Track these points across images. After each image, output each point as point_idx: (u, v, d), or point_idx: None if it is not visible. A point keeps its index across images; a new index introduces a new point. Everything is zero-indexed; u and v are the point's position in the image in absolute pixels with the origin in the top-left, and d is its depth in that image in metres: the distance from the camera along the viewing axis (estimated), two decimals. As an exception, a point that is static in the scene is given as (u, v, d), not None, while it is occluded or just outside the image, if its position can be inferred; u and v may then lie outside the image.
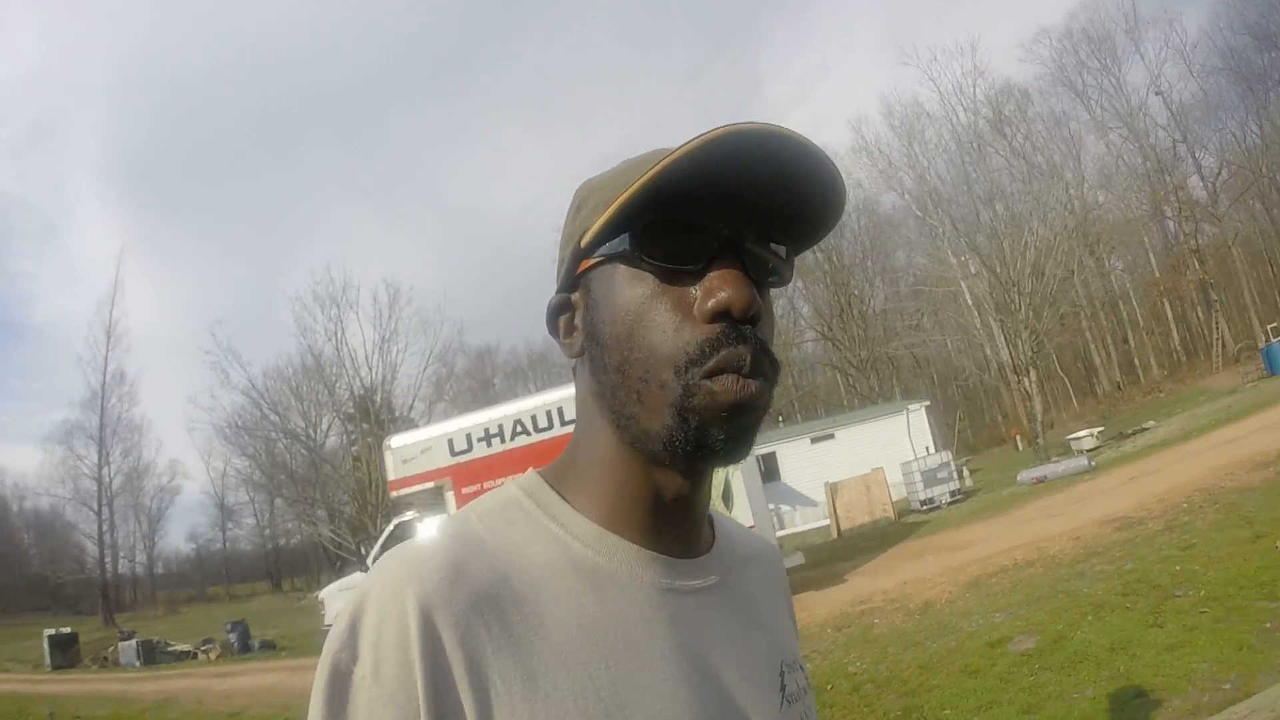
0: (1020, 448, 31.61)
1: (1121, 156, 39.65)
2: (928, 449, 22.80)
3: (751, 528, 8.61)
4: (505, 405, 12.20)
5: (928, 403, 29.65)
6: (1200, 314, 37.08)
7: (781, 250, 0.71)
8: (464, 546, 0.66)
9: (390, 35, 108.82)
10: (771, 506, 23.30)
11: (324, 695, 0.60)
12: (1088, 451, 20.84)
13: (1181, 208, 35.02)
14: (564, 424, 11.28)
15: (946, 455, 21.35)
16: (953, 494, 19.88)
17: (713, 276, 0.65)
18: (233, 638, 21.83)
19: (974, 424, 42.01)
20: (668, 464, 0.69)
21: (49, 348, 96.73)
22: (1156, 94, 37.61)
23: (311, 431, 36.22)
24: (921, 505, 19.92)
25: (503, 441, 11.38)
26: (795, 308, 47.54)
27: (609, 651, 0.64)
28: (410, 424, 31.91)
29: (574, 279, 0.73)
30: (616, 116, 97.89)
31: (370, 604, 0.62)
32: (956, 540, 13.32)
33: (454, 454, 11.54)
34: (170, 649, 22.45)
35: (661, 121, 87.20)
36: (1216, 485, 9.94)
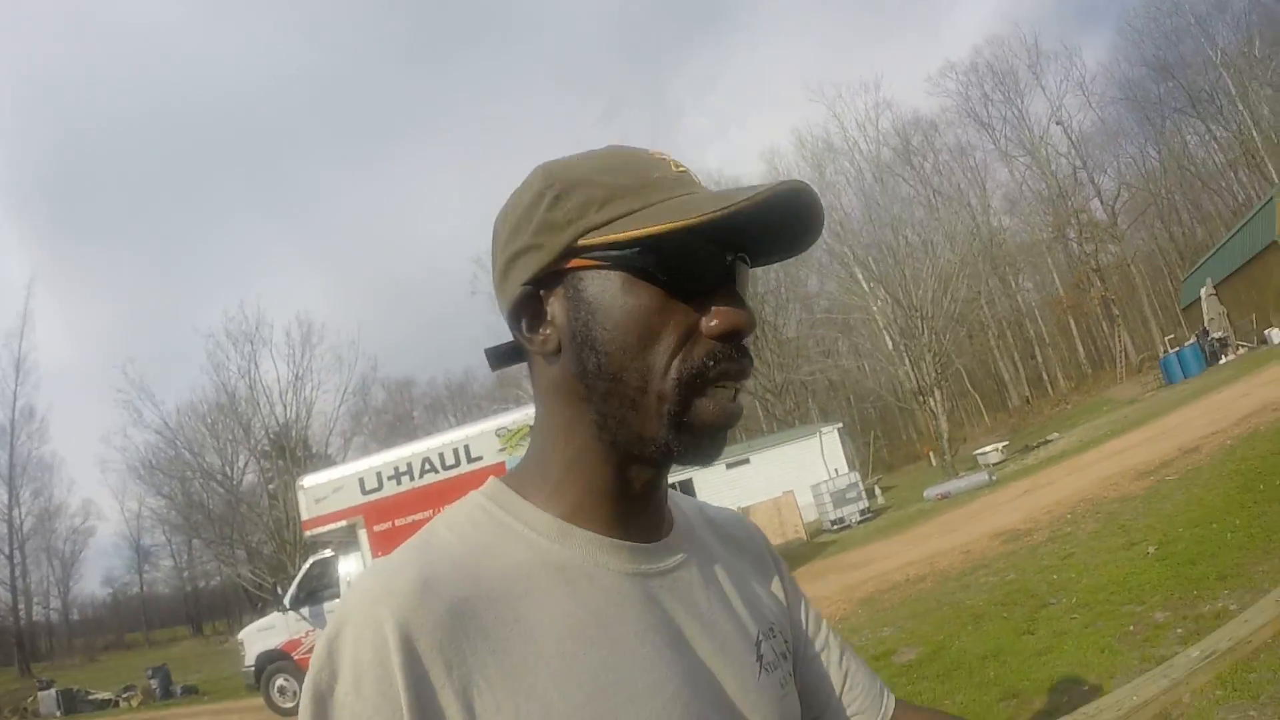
0: (933, 463, 32.05)
1: (1026, 183, 41.50)
2: (836, 470, 22.87)
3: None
4: (414, 444, 12.37)
5: (840, 425, 30.09)
6: (1105, 328, 38.44)
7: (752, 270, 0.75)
8: (432, 556, 0.66)
9: (299, 64, 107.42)
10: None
11: (309, 716, 0.60)
12: (992, 465, 21.40)
13: (1082, 229, 36.43)
14: (470, 461, 11.57)
15: (855, 476, 21.60)
16: (862, 513, 20.19)
17: (719, 298, 0.68)
18: (154, 684, 21.63)
19: (891, 442, 42.75)
20: (650, 463, 0.72)
21: None
22: (1057, 124, 39.33)
23: (228, 469, 35.50)
24: (832, 525, 20.17)
25: (412, 479, 11.50)
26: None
27: (586, 640, 0.65)
28: (327, 460, 32.16)
29: (551, 273, 0.71)
30: (532, 151, 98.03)
31: (347, 624, 0.62)
32: (858, 559, 13.43)
33: (365, 492, 11.53)
34: (91, 698, 22.10)
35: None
36: (1100, 496, 10.08)
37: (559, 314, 0.71)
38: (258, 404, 34.72)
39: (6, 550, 42.57)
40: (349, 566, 12.45)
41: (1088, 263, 36.79)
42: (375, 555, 11.27)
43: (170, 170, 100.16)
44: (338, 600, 10.30)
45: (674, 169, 0.72)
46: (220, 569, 43.28)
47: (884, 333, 28.09)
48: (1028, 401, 39.12)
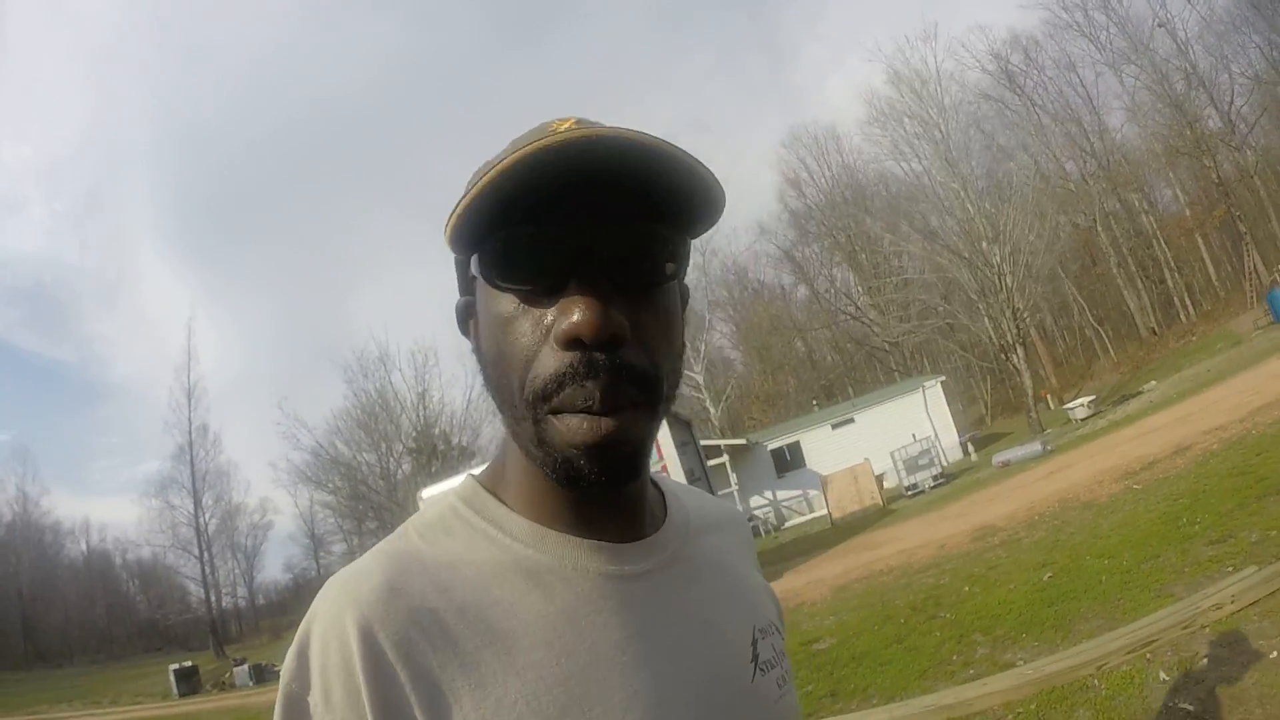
0: (1052, 407, 31.18)
1: (1136, 93, 38.38)
2: (934, 428, 22.72)
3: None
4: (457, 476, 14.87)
5: (943, 378, 29.43)
6: (1229, 248, 35.82)
7: (669, 239, 0.65)
8: (400, 563, 0.65)
9: (408, 53, 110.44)
10: (799, 493, 23.84)
11: None
12: (1079, 421, 21.07)
13: (1199, 140, 33.70)
14: None
15: (928, 441, 21.81)
16: (935, 479, 20.40)
17: (564, 300, 0.60)
18: None
19: (1010, 387, 41.16)
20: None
21: (129, 403, 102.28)
22: (1160, 25, 36.15)
23: (384, 465, 39.32)
24: (907, 491, 20.57)
25: None
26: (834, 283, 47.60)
27: (560, 649, 0.63)
28: (467, 452, 36.77)
29: (469, 282, 0.70)
30: (660, 99, 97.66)
31: (314, 632, 0.62)
32: (885, 538, 13.94)
33: None
34: (276, 669, 25.72)
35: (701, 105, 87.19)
36: (1077, 497, 10.23)
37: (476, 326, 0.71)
38: (392, 413, 38.88)
39: (195, 551, 47.48)
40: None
41: (1208, 176, 34.30)
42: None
43: (302, 173, 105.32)
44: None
45: (553, 129, 0.60)
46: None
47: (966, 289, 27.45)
48: (1153, 333, 36.91)
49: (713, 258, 54.10)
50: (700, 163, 0.61)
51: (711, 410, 45.43)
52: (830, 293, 47.79)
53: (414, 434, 38.37)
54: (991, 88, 39.77)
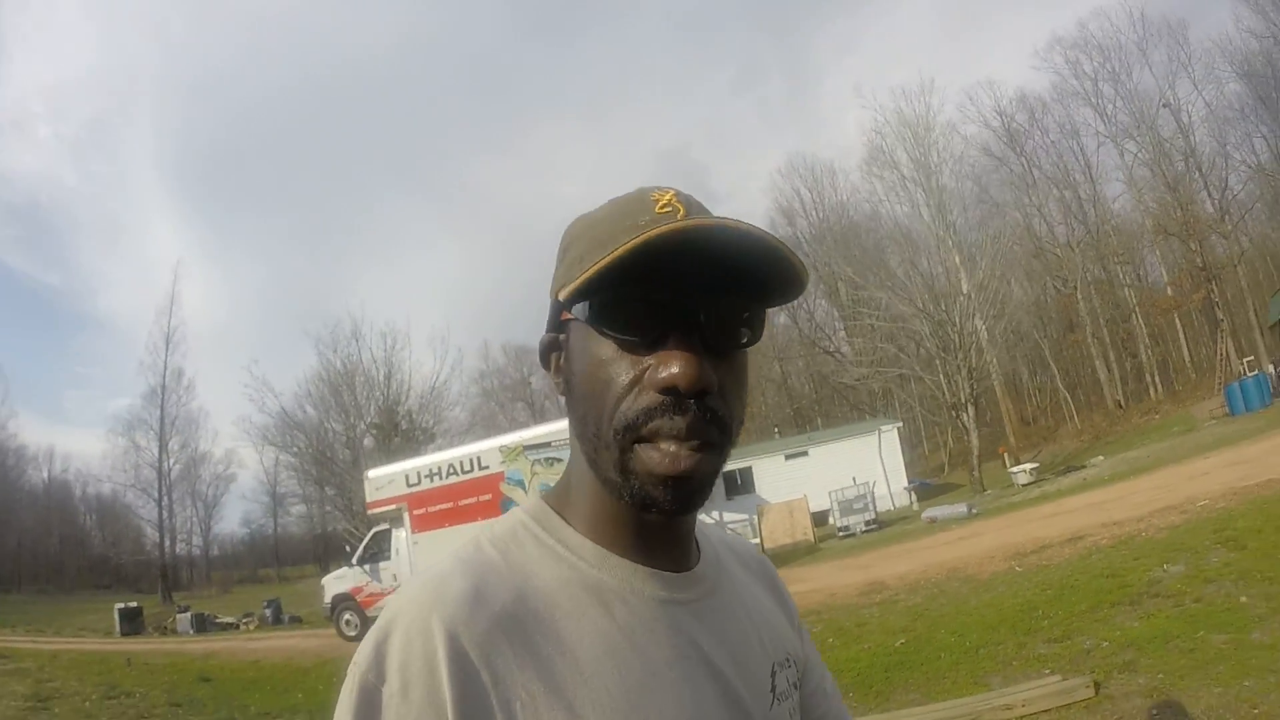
0: (1007, 465, 31.42)
1: (1134, 169, 38.65)
2: (854, 485, 22.85)
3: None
4: (441, 454, 17.26)
5: (899, 424, 29.79)
6: (1208, 331, 36.15)
7: (750, 311, 0.73)
8: (481, 571, 0.70)
9: (424, 35, 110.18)
10: (745, 518, 24.09)
11: (352, 713, 0.64)
12: (1020, 486, 21.44)
13: (1188, 224, 33.98)
14: (480, 469, 15.53)
15: (865, 487, 22.01)
16: (867, 524, 20.77)
17: (664, 352, 0.68)
18: (268, 613, 26.54)
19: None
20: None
21: (110, 337, 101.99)
22: (1165, 106, 36.43)
23: (350, 433, 39.31)
24: (839, 532, 20.92)
25: (440, 479, 15.80)
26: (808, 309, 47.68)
27: (621, 663, 0.69)
28: (428, 434, 37.87)
29: (559, 322, 0.78)
30: (671, 115, 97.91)
31: (396, 628, 0.66)
32: (791, 577, 13.92)
33: (409, 485, 16.15)
34: (218, 621, 26.77)
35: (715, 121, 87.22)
36: (967, 569, 10.45)
37: (563, 361, 0.78)
38: (356, 391, 39.06)
39: (155, 495, 47.97)
40: (399, 537, 16.42)
41: (1193, 260, 34.57)
42: (414, 531, 15.79)
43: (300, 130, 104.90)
44: (389, 560, 15.35)
45: (663, 208, 0.72)
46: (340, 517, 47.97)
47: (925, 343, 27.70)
48: (1119, 405, 37.12)
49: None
50: (793, 253, 0.68)
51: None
52: (810, 324, 47.96)
53: (378, 410, 38.64)
54: (993, 143, 40.01)
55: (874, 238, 37.53)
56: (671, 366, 0.67)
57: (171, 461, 50.02)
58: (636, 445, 0.69)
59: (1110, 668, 5.49)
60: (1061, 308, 40.51)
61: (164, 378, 47.81)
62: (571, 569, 0.73)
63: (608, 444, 0.70)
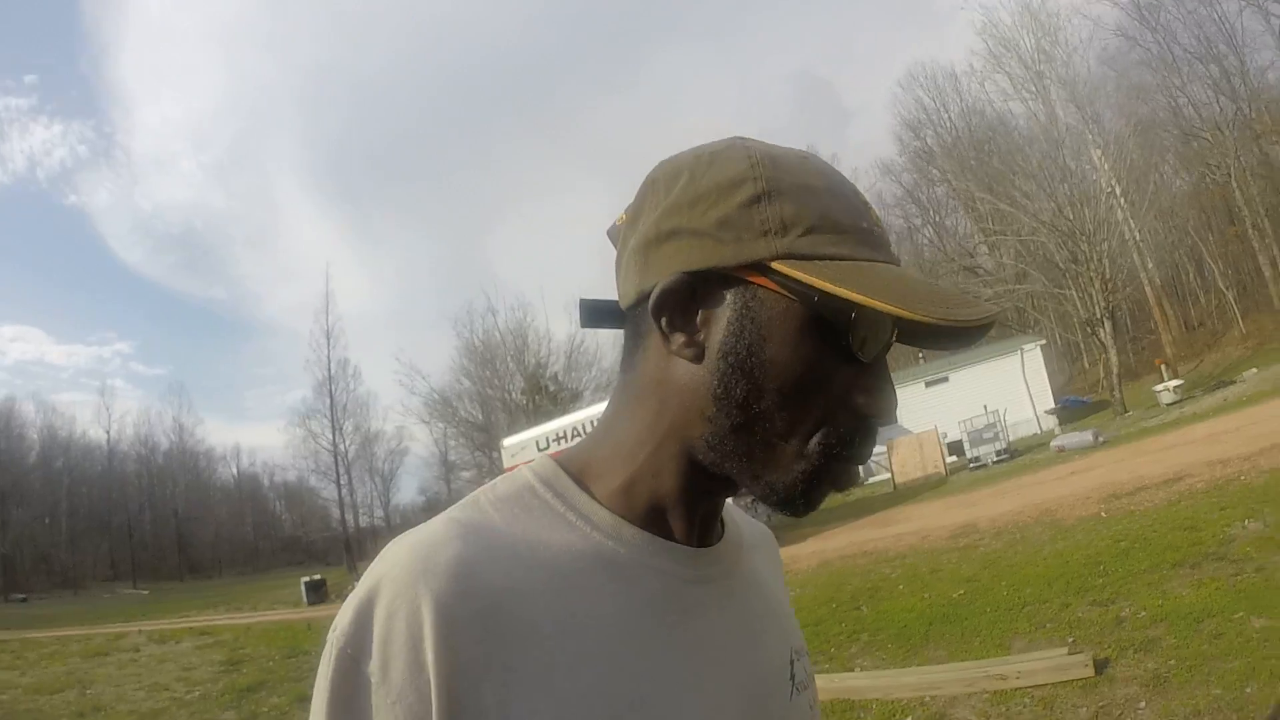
0: (1165, 378, 29.36)
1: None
2: (985, 413, 21.89)
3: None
4: (567, 417, 17.39)
5: (1043, 342, 28.12)
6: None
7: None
8: (478, 535, 0.63)
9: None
10: (885, 450, 23.72)
11: (329, 687, 0.59)
12: (1165, 407, 20.01)
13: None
14: None
15: (995, 415, 21.15)
16: (998, 454, 20.01)
17: (875, 378, 0.65)
18: None
19: (1133, 348, 38.39)
20: (735, 491, 0.71)
21: (278, 336, 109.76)
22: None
23: (504, 397, 41.16)
24: (970, 464, 20.26)
25: (567, 441, 15.71)
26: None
27: (632, 643, 0.64)
28: (574, 394, 38.86)
29: (721, 275, 0.65)
30: (790, 36, 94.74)
31: (380, 598, 0.59)
32: (901, 517, 14.36)
33: (539, 450, 16.07)
34: None
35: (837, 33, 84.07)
36: (1058, 511, 9.97)
37: (716, 323, 0.65)
38: (495, 366, 41.40)
39: (334, 476, 51.15)
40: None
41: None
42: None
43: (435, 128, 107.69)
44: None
45: (876, 222, 0.67)
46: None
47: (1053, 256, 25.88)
48: (1287, 306, 33.29)
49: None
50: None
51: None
52: (953, 240, 45.76)
53: (524, 377, 40.42)
54: (1124, 22, 36.53)
55: (1009, 142, 35.02)
56: (883, 396, 0.66)
57: (347, 443, 53.47)
58: (834, 461, 0.65)
59: (1131, 644, 5.13)
60: (1218, 197, 36.79)
61: (329, 370, 50.72)
62: (584, 539, 0.66)
63: (805, 455, 0.65)
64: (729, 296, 0.64)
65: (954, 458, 22.15)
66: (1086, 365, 41.05)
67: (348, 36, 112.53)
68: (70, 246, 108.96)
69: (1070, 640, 5.49)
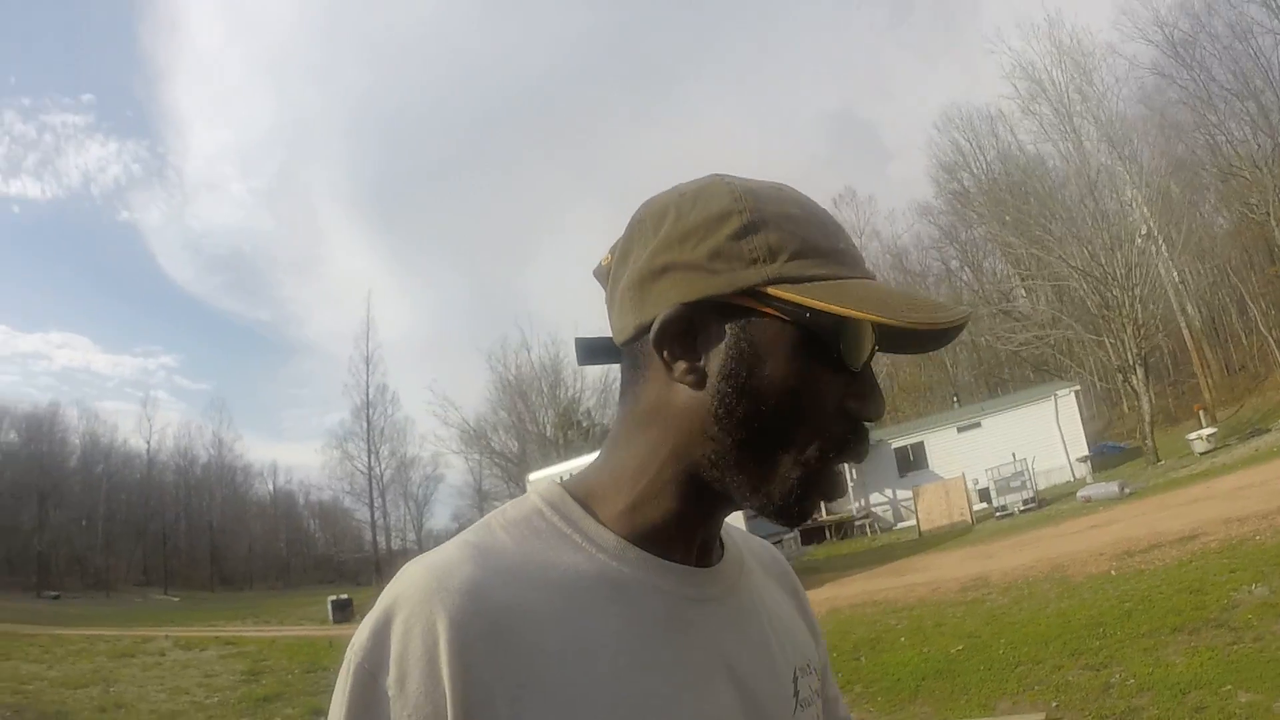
0: (1203, 423, 28.74)
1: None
2: (1013, 461, 21.61)
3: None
4: (588, 455, 17.11)
5: (1077, 387, 27.62)
6: None
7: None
8: (490, 557, 0.66)
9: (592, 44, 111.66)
10: (909, 495, 23.49)
11: (347, 701, 0.62)
12: (1198, 455, 19.61)
13: None
14: None
15: (1023, 464, 20.85)
16: (1025, 503, 19.69)
17: (864, 383, 0.69)
18: None
19: (1176, 396, 37.65)
20: (737, 507, 0.73)
21: (319, 358, 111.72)
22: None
23: (540, 429, 41.57)
24: (997, 513, 19.99)
25: None
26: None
27: (637, 662, 0.65)
28: (604, 430, 37.98)
29: (722, 305, 0.68)
30: (827, 75, 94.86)
31: (397, 616, 0.62)
32: (920, 565, 14.21)
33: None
34: None
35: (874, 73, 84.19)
36: (1070, 567, 9.85)
37: (713, 348, 0.68)
38: (529, 401, 41.92)
39: (367, 499, 53.36)
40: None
41: None
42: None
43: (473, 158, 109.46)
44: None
45: (851, 243, 0.72)
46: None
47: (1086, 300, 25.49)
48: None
49: (873, 239, 53.00)
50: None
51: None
52: (992, 283, 45.15)
53: (556, 412, 41.07)
54: (1160, 61, 35.97)
55: (1043, 185, 34.74)
56: (872, 399, 0.70)
57: (383, 467, 54.85)
58: (826, 466, 0.69)
59: (1113, 713, 5.12)
60: (1259, 236, 35.91)
61: (367, 395, 52.59)
62: (589, 560, 0.69)
63: (803, 463, 0.68)
64: (726, 323, 0.68)
65: (982, 505, 21.84)
66: (1125, 410, 40.26)
67: (390, 69, 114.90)
68: (121, 260, 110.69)
69: (1054, 705, 5.46)
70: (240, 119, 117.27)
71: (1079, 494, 17.72)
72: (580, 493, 0.74)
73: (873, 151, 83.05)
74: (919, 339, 0.69)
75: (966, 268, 50.40)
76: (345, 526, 63.22)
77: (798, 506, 0.69)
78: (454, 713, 0.59)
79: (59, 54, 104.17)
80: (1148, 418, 21.91)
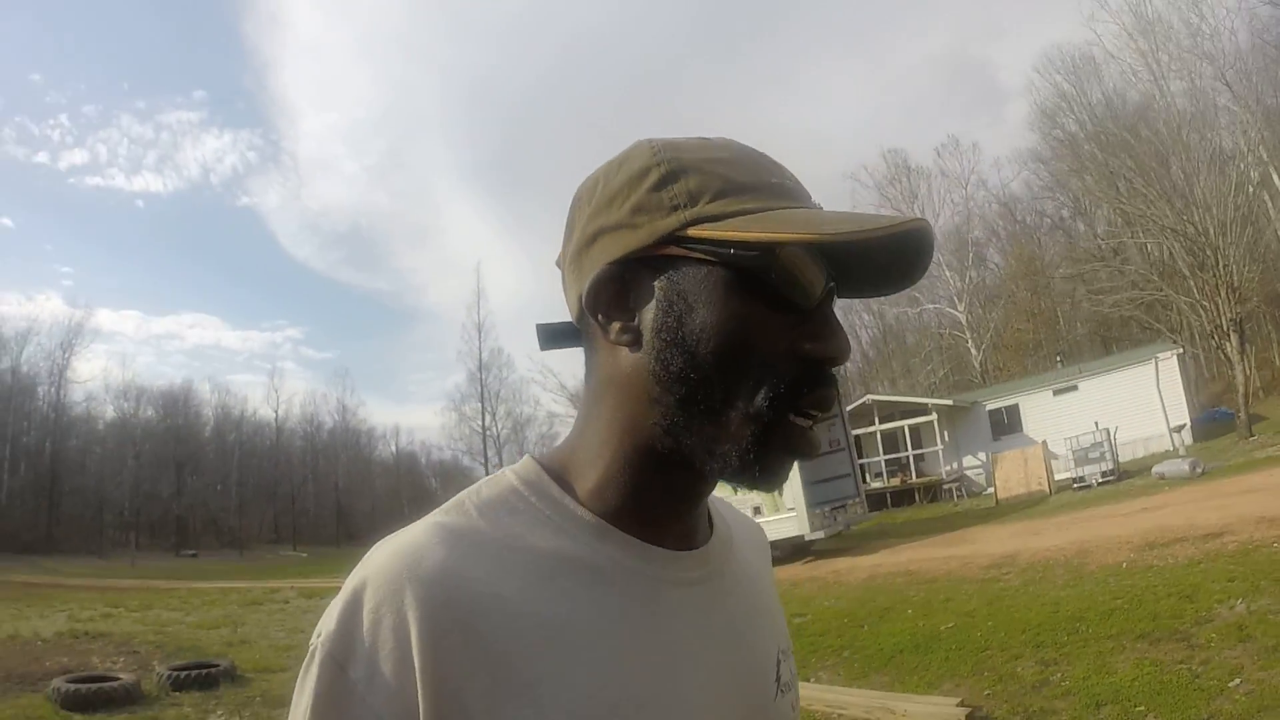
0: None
1: None
2: (1095, 430, 20.94)
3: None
4: None
5: (1180, 350, 26.35)
6: None
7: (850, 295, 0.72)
8: (464, 539, 0.63)
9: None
10: (987, 462, 23.23)
11: (314, 691, 0.60)
12: None
13: None
14: None
15: (1103, 435, 20.22)
16: (1104, 474, 19.29)
17: (819, 322, 0.65)
18: None
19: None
20: (707, 475, 0.69)
21: (439, 323, 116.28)
22: None
23: None
24: (1074, 484, 19.67)
25: None
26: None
27: (616, 647, 0.63)
28: None
29: (643, 258, 0.66)
30: (933, 17, 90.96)
31: (366, 602, 0.60)
32: (971, 538, 14.31)
33: None
34: None
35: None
36: (1092, 554, 9.88)
37: (645, 304, 0.66)
38: None
39: (483, 459, 55.02)
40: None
41: None
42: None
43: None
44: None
45: (789, 179, 0.68)
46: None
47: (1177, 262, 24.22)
48: None
49: (979, 188, 50.93)
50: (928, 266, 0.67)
51: (974, 352, 43.66)
52: (1093, 239, 42.99)
53: None
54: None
55: (1141, 133, 32.77)
56: (835, 338, 0.65)
57: (499, 427, 57.19)
58: (784, 419, 0.65)
59: (1028, 712, 5.38)
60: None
61: (480, 361, 54.96)
62: (569, 543, 0.66)
63: (752, 415, 0.64)
64: (654, 277, 0.66)
65: (1066, 474, 21.42)
66: (1250, 369, 38.12)
67: (501, 45, 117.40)
68: (244, 243, 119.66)
69: (986, 694, 5.77)
70: (348, 101, 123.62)
71: (1154, 470, 17.30)
72: (555, 471, 0.71)
73: (988, 95, 79.44)
74: (881, 271, 0.67)
75: (1079, 218, 47.98)
76: (464, 484, 65.62)
77: (758, 466, 0.65)
78: (426, 706, 0.58)
79: (168, 56, 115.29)
80: (1241, 388, 20.90)
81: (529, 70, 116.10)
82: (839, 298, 0.70)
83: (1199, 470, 16.18)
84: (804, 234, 0.60)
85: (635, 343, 0.66)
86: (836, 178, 51.31)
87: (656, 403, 0.66)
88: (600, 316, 0.68)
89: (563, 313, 0.74)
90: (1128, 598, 7.41)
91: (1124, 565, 8.83)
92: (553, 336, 0.75)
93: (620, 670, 0.63)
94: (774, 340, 0.64)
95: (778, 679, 0.76)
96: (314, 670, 0.60)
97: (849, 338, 0.66)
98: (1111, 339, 42.47)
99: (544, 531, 0.66)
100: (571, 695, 0.60)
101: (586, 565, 0.66)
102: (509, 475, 0.71)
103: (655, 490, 0.69)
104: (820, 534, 14.89)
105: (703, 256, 0.63)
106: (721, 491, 0.79)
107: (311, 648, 0.61)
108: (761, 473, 0.65)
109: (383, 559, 0.62)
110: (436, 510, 0.67)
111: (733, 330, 0.63)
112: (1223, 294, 21.21)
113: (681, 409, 0.65)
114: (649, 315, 0.66)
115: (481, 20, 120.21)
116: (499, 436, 56.95)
